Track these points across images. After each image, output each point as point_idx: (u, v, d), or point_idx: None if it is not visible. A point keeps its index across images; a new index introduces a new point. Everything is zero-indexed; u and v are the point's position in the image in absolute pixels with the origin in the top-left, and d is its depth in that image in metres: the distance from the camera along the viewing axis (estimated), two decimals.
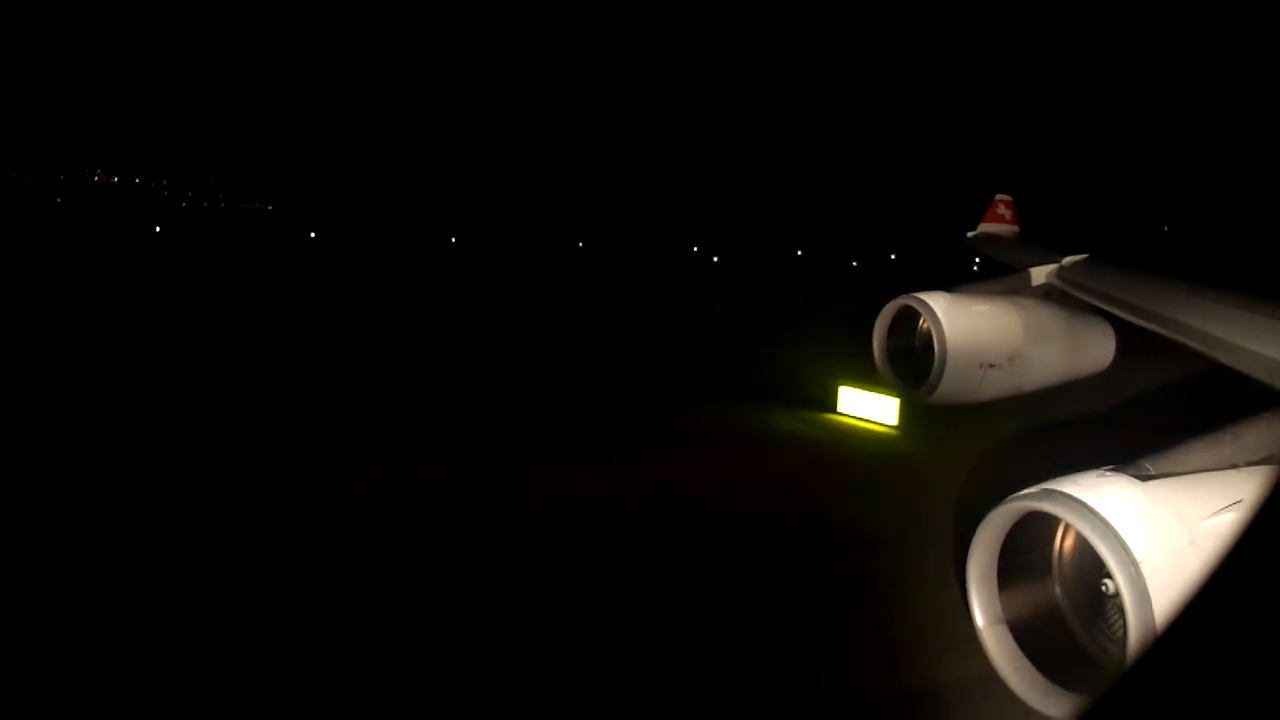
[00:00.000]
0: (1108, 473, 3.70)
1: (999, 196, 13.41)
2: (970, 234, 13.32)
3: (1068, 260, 8.64)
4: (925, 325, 8.02)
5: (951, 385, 7.79)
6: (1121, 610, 3.31)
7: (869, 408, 16.65)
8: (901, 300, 8.20)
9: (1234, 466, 3.95)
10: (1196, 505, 3.55)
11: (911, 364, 8.22)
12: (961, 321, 7.86)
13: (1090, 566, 3.64)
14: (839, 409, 17.16)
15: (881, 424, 16.39)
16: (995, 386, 8.11)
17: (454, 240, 68.79)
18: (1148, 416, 12.50)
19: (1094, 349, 8.74)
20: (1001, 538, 3.84)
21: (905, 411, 15.95)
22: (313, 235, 65.52)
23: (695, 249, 67.70)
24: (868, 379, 15.28)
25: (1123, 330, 8.13)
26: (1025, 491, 3.75)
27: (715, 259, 60.22)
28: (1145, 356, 8.53)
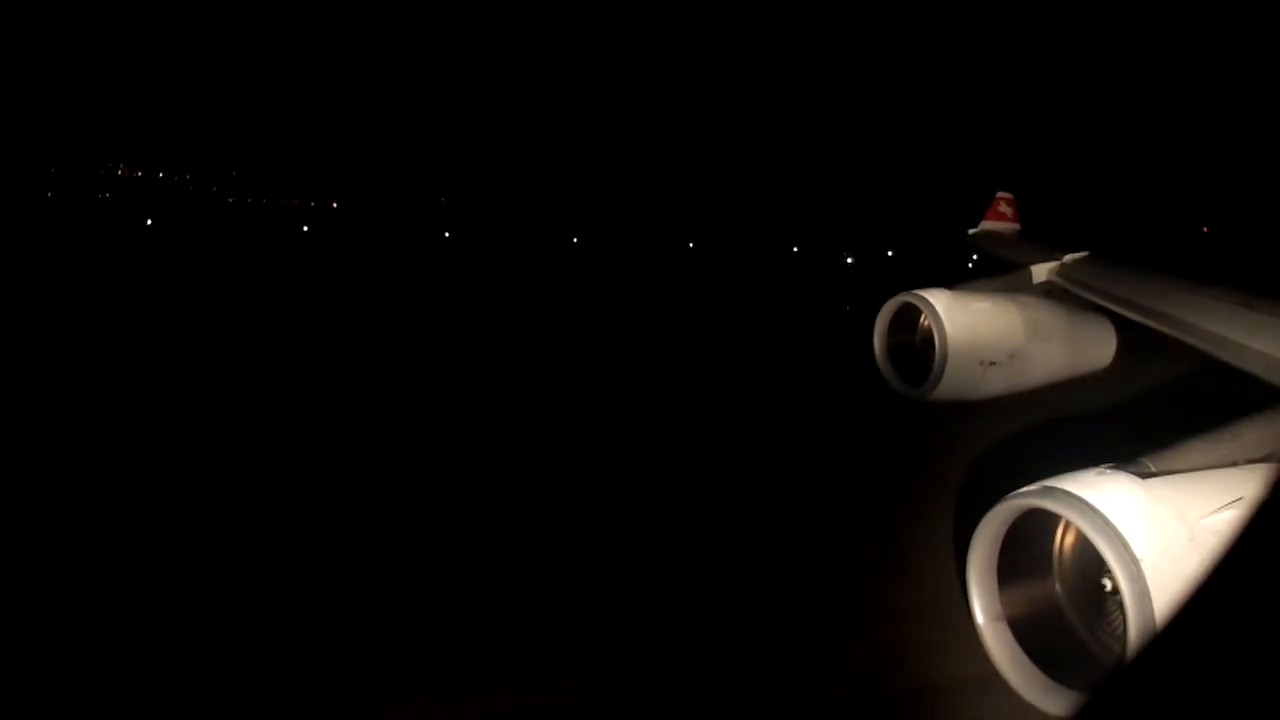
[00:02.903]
0: (1108, 470, 3.71)
1: (1000, 194, 13.38)
2: (971, 231, 13.30)
3: (1069, 258, 8.64)
4: (926, 322, 8.03)
5: (952, 383, 7.80)
6: (1121, 607, 3.32)
7: None
8: (902, 297, 8.20)
9: (1234, 464, 3.96)
10: (1197, 503, 3.55)
11: (913, 361, 8.23)
12: (962, 319, 7.86)
13: (1090, 563, 3.65)
14: None
15: None
16: (996, 384, 8.12)
17: (575, 241, 69.18)
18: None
19: (1095, 347, 8.73)
20: (1001, 535, 3.85)
21: None
22: (447, 235, 66.64)
23: (795, 249, 67.18)
24: None
25: (1124, 328, 8.10)
26: (1025, 489, 3.75)
27: (850, 259, 58.27)
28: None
